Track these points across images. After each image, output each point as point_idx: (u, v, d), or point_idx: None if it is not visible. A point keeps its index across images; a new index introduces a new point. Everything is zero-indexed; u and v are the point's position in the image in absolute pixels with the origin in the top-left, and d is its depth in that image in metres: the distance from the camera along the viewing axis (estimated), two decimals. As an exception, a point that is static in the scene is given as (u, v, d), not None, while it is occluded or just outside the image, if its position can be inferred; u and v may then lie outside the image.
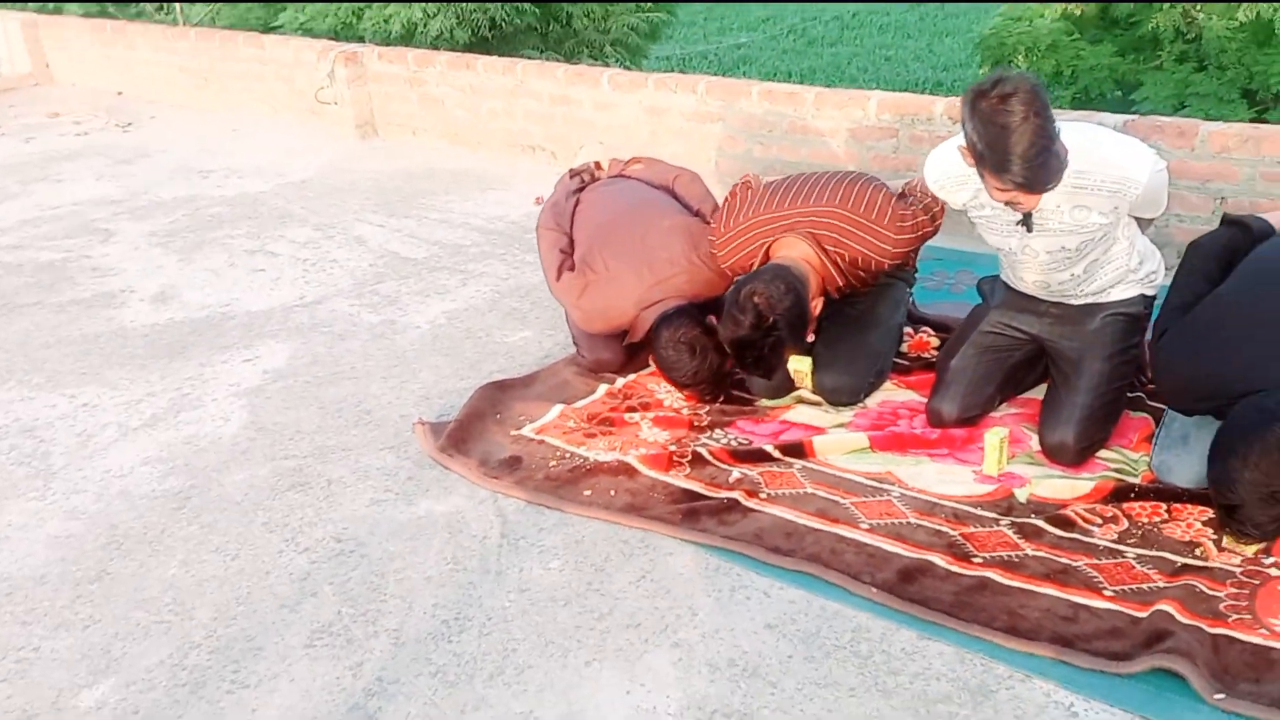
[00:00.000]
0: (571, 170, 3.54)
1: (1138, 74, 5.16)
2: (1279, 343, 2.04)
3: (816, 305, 2.72)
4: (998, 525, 2.31)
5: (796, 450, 2.63)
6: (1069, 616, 2.02)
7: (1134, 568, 2.13)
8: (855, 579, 2.17)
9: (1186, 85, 4.89)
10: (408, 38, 6.37)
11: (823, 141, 4.34)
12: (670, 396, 2.95)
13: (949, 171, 2.50)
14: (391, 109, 6.01)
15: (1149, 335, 2.46)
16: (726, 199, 2.92)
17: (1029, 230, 2.40)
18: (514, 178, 5.17)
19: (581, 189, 3.41)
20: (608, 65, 6.57)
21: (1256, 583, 2.06)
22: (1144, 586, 2.08)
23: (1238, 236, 2.35)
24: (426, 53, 5.89)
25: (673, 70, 7.98)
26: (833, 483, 2.51)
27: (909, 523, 2.34)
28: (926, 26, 10.96)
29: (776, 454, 2.62)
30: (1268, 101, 4.80)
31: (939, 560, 2.20)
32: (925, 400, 2.74)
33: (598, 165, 3.55)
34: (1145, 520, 2.27)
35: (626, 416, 2.86)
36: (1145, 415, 2.61)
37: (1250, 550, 2.12)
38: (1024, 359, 2.71)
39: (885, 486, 2.48)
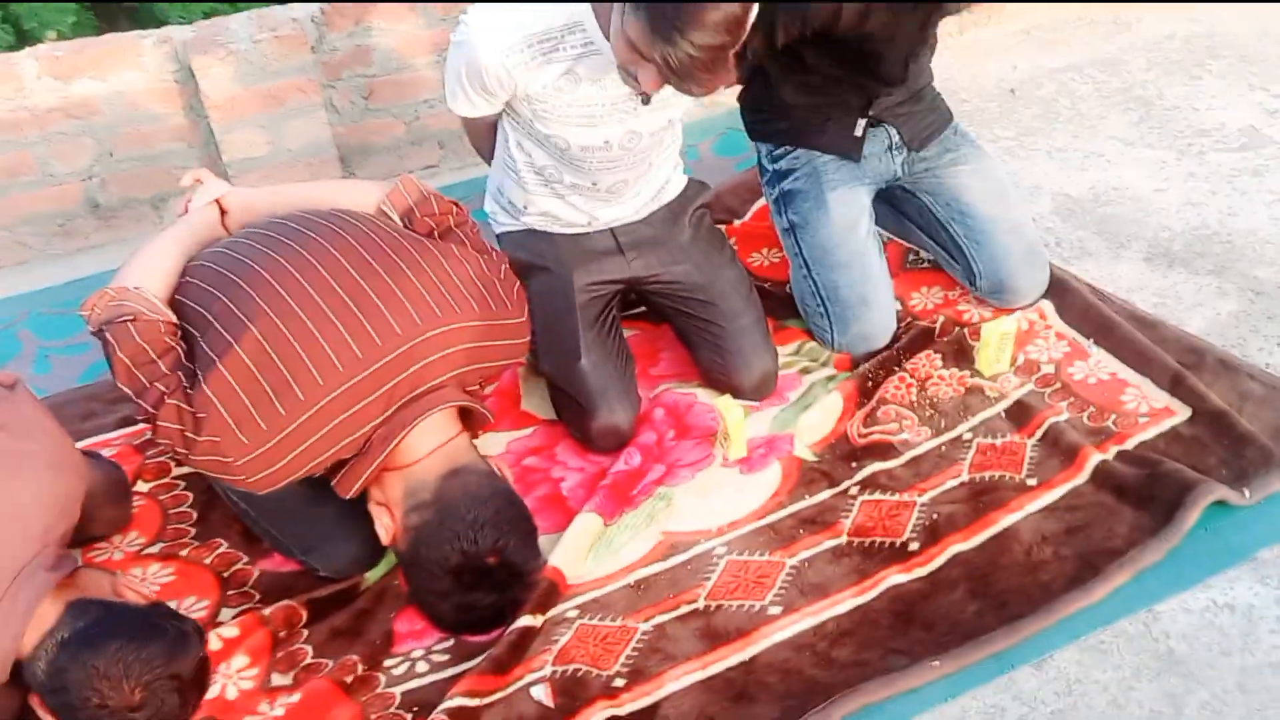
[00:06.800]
0: None
1: None
2: None
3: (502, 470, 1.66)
4: (851, 494, 1.79)
5: (550, 597, 1.63)
6: (1076, 526, 1.69)
7: (995, 443, 1.87)
8: (912, 665, 1.49)
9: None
10: None
11: None
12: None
13: (528, 36, 1.64)
14: None
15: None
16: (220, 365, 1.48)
17: (646, 104, 1.70)
18: None
19: None
20: None
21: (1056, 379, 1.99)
22: (1032, 456, 1.84)
23: None
24: None
25: None
26: (639, 596, 1.65)
27: (792, 564, 1.67)
28: None
29: (538, 619, 1.59)
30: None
31: (898, 575, 1.63)
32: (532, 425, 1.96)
33: None
34: (917, 399, 1.98)
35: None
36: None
37: (996, 365, 2.01)
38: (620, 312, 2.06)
39: (692, 552, 1.72)
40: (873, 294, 2.05)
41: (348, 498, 1.55)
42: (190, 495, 1.89)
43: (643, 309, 2.19)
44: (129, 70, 2.68)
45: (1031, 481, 1.78)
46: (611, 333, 1.98)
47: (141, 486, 1.92)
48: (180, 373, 1.50)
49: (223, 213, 1.84)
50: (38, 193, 2.72)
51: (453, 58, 1.71)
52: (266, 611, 1.63)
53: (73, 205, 2.77)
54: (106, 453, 1.99)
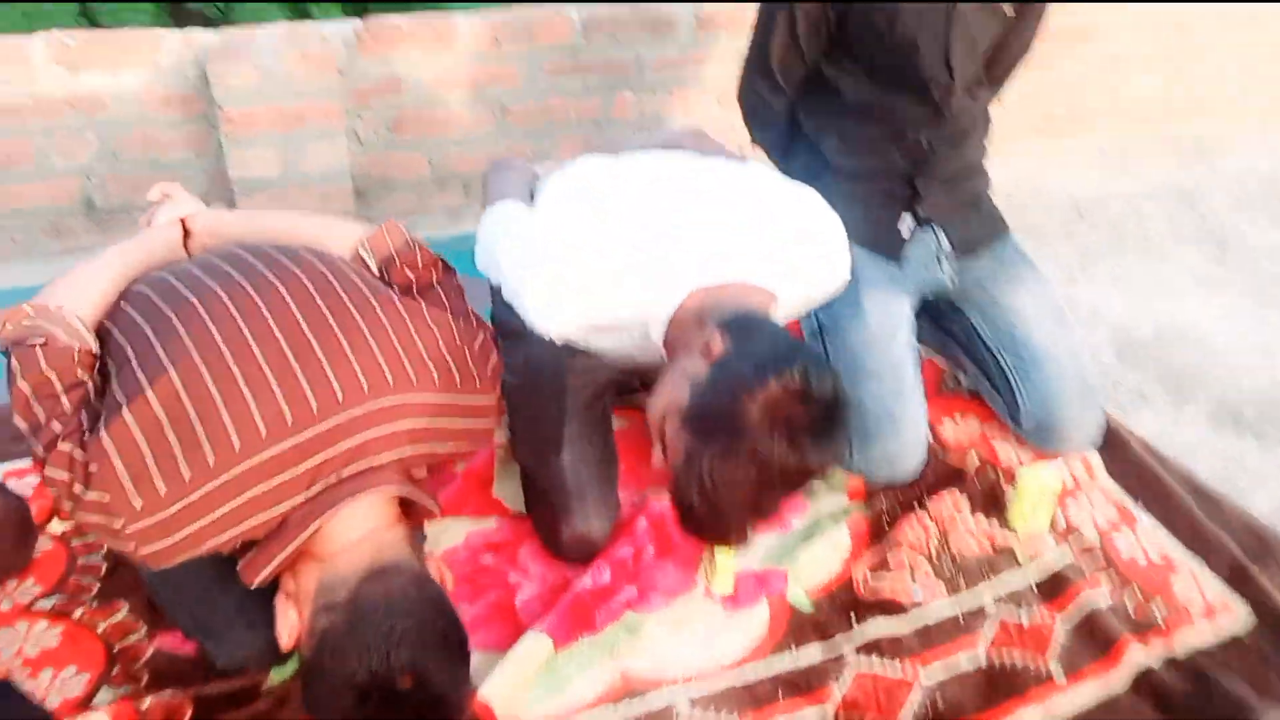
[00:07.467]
0: None
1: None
2: None
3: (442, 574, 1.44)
4: (846, 660, 1.54)
5: (475, 734, 1.39)
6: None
7: (1020, 622, 1.61)
8: None
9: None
10: None
11: None
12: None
13: (592, 325, 1.47)
14: None
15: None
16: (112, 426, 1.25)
17: None
18: None
19: None
20: None
21: (1099, 551, 1.73)
22: (1063, 642, 1.58)
23: None
24: None
25: None
26: (587, 748, 1.40)
27: (768, 737, 1.42)
28: None
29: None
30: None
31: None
32: (497, 516, 1.70)
33: None
34: (936, 549, 1.73)
35: None
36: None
37: (1031, 522, 1.76)
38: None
39: (650, 703, 1.47)
40: (903, 411, 1.82)
41: (252, 587, 1.32)
42: (104, 545, 1.68)
43: (637, 395, 1.97)
44: (142, 68, 2.53)
45: (1058, 671, 1.52)
46: (600, 426, 1.75)
47: (55, 527, 1.71)
48: (83, 413, 1.29)
49: (187, 234, 1.65)
50: (32, 185, 2.57)
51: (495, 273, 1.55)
52: (145, 704, 1.40)
53: (67, 203, 2.61)
54: (29, 480, 1.80)
